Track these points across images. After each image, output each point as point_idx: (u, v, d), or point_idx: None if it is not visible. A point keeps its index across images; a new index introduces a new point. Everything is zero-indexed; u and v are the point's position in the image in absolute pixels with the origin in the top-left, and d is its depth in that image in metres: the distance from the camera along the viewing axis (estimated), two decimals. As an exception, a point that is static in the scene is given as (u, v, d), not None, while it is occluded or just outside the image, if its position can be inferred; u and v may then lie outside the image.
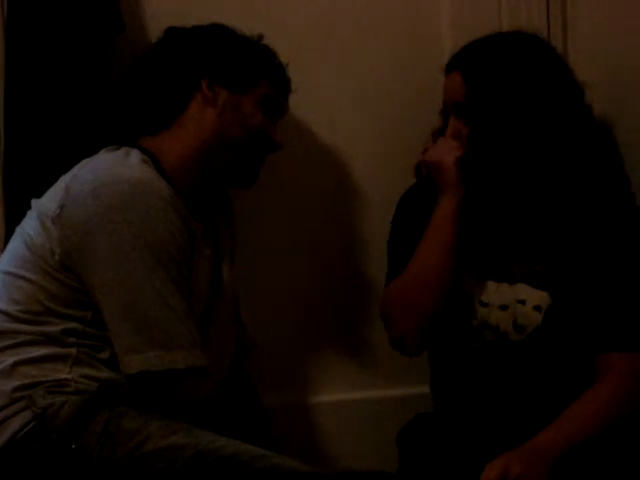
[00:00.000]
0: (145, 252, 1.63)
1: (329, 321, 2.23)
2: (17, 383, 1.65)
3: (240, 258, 1.98)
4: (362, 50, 2.19)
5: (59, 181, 1.75)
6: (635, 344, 1.83)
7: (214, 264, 1.84)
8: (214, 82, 1.82)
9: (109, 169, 1.70)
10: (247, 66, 1.85)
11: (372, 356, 2.25)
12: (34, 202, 1.76)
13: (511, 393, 1.88)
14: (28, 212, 1.76)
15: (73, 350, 1.67)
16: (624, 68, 2.03)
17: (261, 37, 1.90)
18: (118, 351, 1.65)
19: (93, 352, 1.68)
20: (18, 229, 1.76)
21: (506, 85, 1.84)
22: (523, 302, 1.88)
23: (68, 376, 1.66)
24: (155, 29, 1.95)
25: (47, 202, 1.71)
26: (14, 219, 1.83)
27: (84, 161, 1.76)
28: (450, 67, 1.92)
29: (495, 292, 1.91)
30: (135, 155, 1.75)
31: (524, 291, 1.89)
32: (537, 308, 1.87)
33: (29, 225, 1.72)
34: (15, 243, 1.75)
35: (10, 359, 1.67)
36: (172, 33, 1.88)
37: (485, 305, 1.90)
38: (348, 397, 2.23)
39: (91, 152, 1.79)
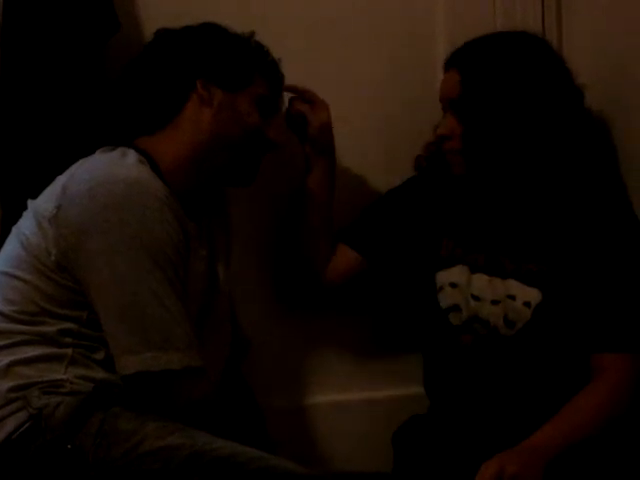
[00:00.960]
0: (141, 253, 1.63)
1: (324, 322, 2.23)
2: (12, 383, 1.65)
3: (235, 258, 1.98)
4: (360, 50, 2.19)
5: (55, 181, 1.74)
6: (631, 345, 1.84)
7: (210, 264, 1.84)
8: (209, 82, 1.81)
9: (105, 169, 1.70)
10: (241, 64, 1.84)
11: (367, 357, 2.25)
12: (30, 202, 1.75)
13: (502, 390, 1.89)
14: (24, 212, 1.75)
15: (69, 350, 1.67)
16: (619, 68, 2.03)
17: (253, 34, 1.89)
18: (114, 352, 1.65)
19: (88, 352, 1.68)
20: (14, 229, 1.76)
21: (503, 84, 1.84)
22: (513, 297, 1.89)
23: (63, 377, 1.65)
24: (150, 29, 1.94)
25: (43, 202, 1.71)
26: (10, 219, 1.82)
27: (80, 161, 1.76)
28: (448, 64, 1.93)
29: (487, 287, 1.92)
30: (131, 155, 1.74)
31: (514, 287, 1.89)
32: (527, 304, 1.88)
33: (25, 225, 1.72)
34: (11, 243, 1.74)
35: (5, 359, 1.66)
36: (163, 35, 1.87)
37: (477, 299, 1.91)
38: (343, 398, 2.23)
39: (87, 152, 1.79)
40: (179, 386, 1.66)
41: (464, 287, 1.93)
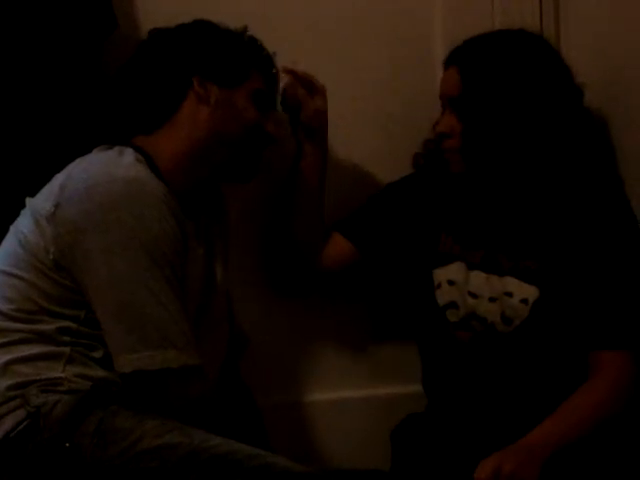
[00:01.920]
0: (139, 251, 1.63)
1: (321, 319, 2.23)
2: (10, 382, 1.65)
3: (233, 257, 1.98)
4: (359, 49, 2.19)
5: (53, 180, 1.74)
6: (628, 342, 1.84)
7: (207, 263, 1.84)
8: (205, 79, 1.81)
9: (103, 168, 1.70)
10: (236, 59, 1.84)
11: (365, 354, 2.25)
12: (28, 201, 1.75)
13: (499, 388, 1.89)
14: (22, 211, 1.76)
15: (67, 349, 1.67)
16: (616, 67, 2.03)
17: (246, 29, 1.88)
18: (112, 350, 1.65)
19: (87, 351, 1.68)
20: (12, 228, 1.76)
21: (503, 82, 1.84)
22: (510, 295, 1.89)
23: (61, 375, 1.66)
24: (148, 28, 1.93)
25: (41, 201, 1.71)
26: (8, 218, 1.83)
27: (78, 160, 1.76)
28: (448, 62, 1.93)
29: (485, 284, 1.92)
30: (129, 154, 1.74)
31: (512, 284, 1.90)
32: (524, 301, 1.88)
33: (23, 224, 1.72)
34: (9, 242, 1.74)
35: (3, 357, 1.67)
36: (158, 34, 1.87)
37: (475, 296, 1.92)
38: (341, 396, 2.23)
39: (85, 151, 1.79)
40: (177, 385, 1.66)
41: (461, 284, 1.93)
